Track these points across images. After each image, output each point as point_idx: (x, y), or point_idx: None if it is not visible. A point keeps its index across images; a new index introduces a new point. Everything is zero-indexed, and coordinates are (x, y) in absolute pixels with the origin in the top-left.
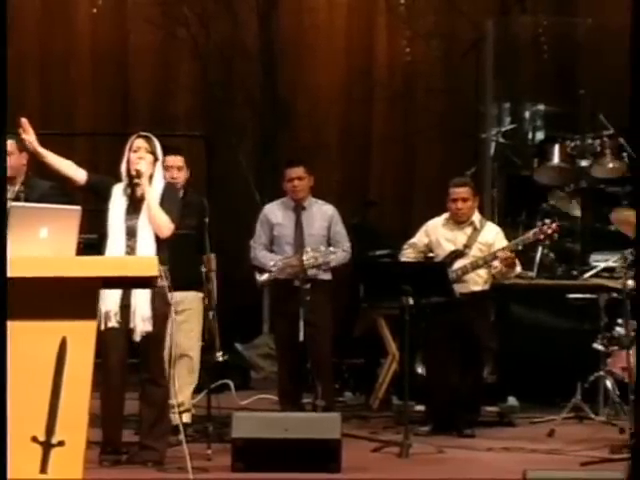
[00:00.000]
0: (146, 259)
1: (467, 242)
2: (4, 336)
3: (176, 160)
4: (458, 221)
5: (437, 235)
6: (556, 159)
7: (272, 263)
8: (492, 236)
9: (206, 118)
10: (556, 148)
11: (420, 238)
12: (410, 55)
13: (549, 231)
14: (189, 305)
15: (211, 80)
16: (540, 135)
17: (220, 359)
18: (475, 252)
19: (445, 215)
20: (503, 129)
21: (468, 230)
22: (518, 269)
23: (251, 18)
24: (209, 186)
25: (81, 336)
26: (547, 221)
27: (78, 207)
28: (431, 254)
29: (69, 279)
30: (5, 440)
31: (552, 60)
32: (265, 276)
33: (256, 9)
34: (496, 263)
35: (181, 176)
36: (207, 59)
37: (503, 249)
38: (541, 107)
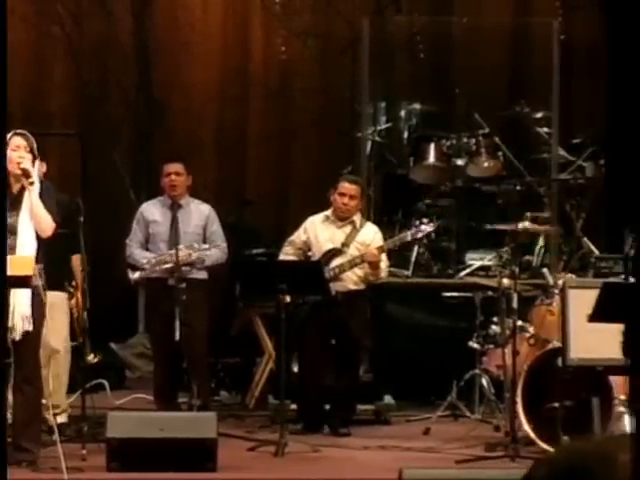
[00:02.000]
0: (23, 258)
1: (345, 241)
2: (4, 335)
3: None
4: (340, 217)
5: (316, 232)
6: (431, 158)
7: (145, 260)
8: (370, 236)
9: (80, 116)
10: (431, 147)
11: (299, 235)
12: (286, 54)
13: (427, 230)
14: (58, 305)
15: (85, 78)
16: (415, 134)
17: (92, 361)
18: (353, 251)
19: (325, 212)
20: (379, 128)
21: (347, 229)
22: (383, 275)
23: (125, 16)
24: (84, 185)
25: None
26: (424, 220)
27: None
28: (310, 252)
29: None
30: (5, 441)
31: (427, 59)
32: (137, 274)
33: (130, 7)
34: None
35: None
36: (81, 57)
37: (377, 249)
38: (416, 106)
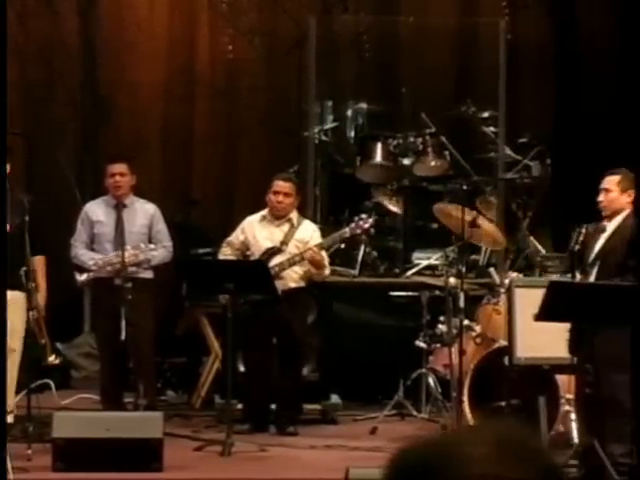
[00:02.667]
0: None
1: (284, 239)
2: (4, 335)
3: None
4: (276, 215)
5: (254, 232)
6: (378, 157)
7: (92, 262)
8: (309, 234)
9: (26, 116)
10: (378, 146)
11: (237, 235)
12: (232, 53)
13: (365, 225)
14: (16, 304)
15: (30, 79)
16: (362, 133)
17: (54, 362)
18: (292, 249)
19: (262, 212)
20: (325, 127)
21: (285, 227)
22: (327, 272)
23: (71, 16)
24: (29, 184)
25: None
26: (363, 216)
27: None
28: (249, 252)
29: None
30: (5, 437)
31: (374, 59)
32: (85, 275)
33: (76, 7)
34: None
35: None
36: (26, 57)
37: (315, 246)
38: (363, 105)
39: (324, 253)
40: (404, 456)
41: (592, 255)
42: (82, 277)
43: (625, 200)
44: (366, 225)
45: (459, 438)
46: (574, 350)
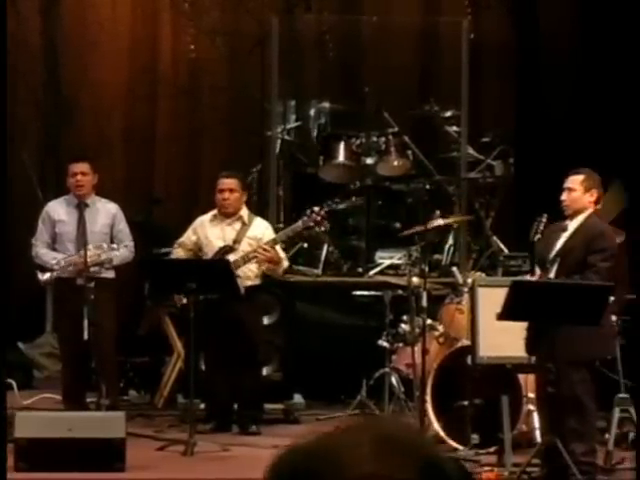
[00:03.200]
0: None
1: (236, 237)
2: (3, 336)
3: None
4: (226, 214)
5: (205, 232)
6: (341, 157)
7: (54, 261)
8: (261, 231)
9: None
10: (341, 146)
11: (188, 236)
12: (195, 52)
13: (318, 218)
14: None
15: None
16: (325, 133)
17: None
18: (245, 247)
19: (213, 212)
20: (288, 127)
21: (237, 225)
22: (285, 263)
23: (33, 15)
24: None
25: None
26: (315, 208)
27: None
28: (201, 252)
29: None
30: (5, 439)
31: (337, 58)
32: (47, 275)
33: (38, 6)
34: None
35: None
36: None
37: (268, 242)
38: (326, 105)
39: (278, 247)
40: (282, 462)
41: (552, 253)
42: (44, 276)
43: (588, 200)
44: (319, 217)
45: (337, 440)
46: (531, 350)
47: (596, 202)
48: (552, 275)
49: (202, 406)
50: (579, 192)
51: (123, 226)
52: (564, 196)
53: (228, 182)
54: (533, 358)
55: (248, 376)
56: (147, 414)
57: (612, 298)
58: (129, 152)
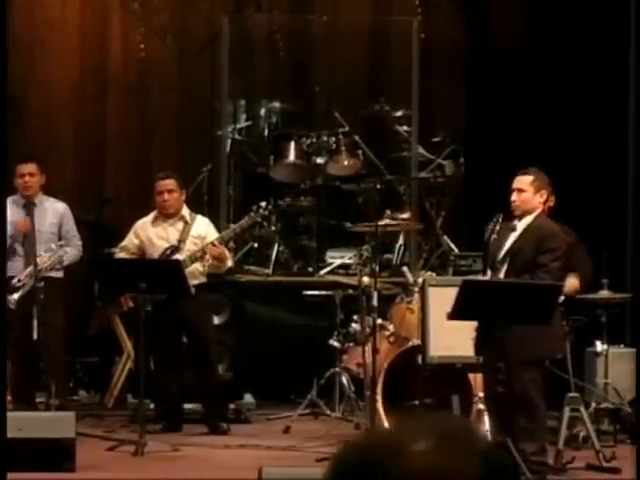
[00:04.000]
0: None
1: (180, 237)
2: (4, 338)
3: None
4: (166, 214)
5: (148, 234)
6: (292, 156)
7: (15, 281)
8: (204, 228)
9: None
10: (292, 145)
11: (131, 240)
12: (145, 52)
13: (265, 213)
14: None
15: None
16: (276, 132)
17: None
18: (189, 246)
19: (153, 213)
20: (239, 126)
21: (179, 225)
22: (229, 262)
23: None
24: None
25: None
26: (262, 204)
27: None
28: (145, 255)
29: None
30: (5, 437)
31: (287, 57)
32: (15, 295)
33: None
34: (208, 256)
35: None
36: None
37: (216, 241)
38: (277, 104)
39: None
40: (346, 454)
41: (501, 253)
42: (14, 296)
43: (538, 200)
44: (266, 212)
45: (399, 433)
46: (480, 350)
47: (545, 202)
48: (502, 275)
49: (152, 406)
50: (530, 193)
51: (71, 225)
52: (514, 197)
53: (166, 183)
54: (481, 358)
55: (206, 375)
56: (97, 414)
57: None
58: (79, 152)
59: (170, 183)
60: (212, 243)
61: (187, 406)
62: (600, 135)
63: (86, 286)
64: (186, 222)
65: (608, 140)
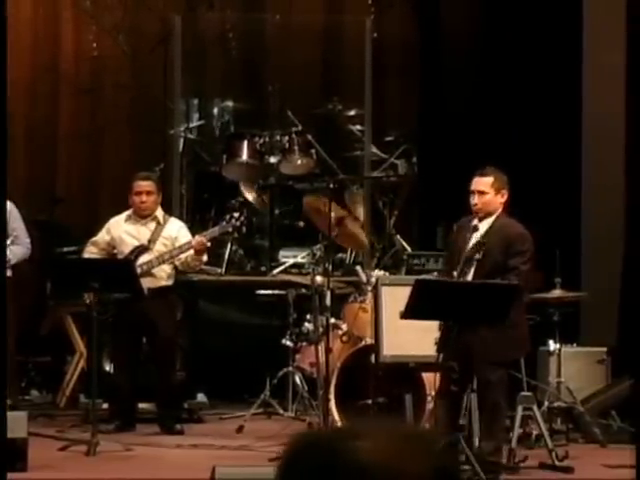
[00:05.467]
0: None
1: (151, 237)
2: (4, 334)
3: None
4: (142, 215)
5: (120, 232)
6: (244, 155)
7: None
8: (176, 230)
9: None
10: (244, 144)
11: (102, 236)
12: (97, 50)
13: (237, 224)
14: None
15: None
16: (228, 131)
17: None
18: (159, 247)
19: (128, 212)
20: (191, 125)
21: (152, 225)
22: (205, 258)
23: None
24: None
25: None
26: (235, 215)
27: None
28: (115, 251)
29: None
30: (5, 437)
31: (240, 56)
32: None
33: None
34: (182, 256)
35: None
36: None
37: (199, 236)
38: (229, 103)
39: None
40: (300, 443)
41: (464, 254)
42: None
43: (499, 201)
44: (238, 223)
45: (356, 429)
46: (442, 349)
47: (505, 202)
48: (470, 277)
49: (105, 406)
50: (491, 195)
51: (19, 224)
52: (475, 200)
53: (145, 185)
54: (440, 356)
55: (163, 376)
56: (49, 414)
57: None
58: (30, 151)
59: (149, 185)
60: (200, 237)
61: (141, 405)
62: (553, 133)
63: (38, 285)
64: (159, 223)
65: (561, 138)
